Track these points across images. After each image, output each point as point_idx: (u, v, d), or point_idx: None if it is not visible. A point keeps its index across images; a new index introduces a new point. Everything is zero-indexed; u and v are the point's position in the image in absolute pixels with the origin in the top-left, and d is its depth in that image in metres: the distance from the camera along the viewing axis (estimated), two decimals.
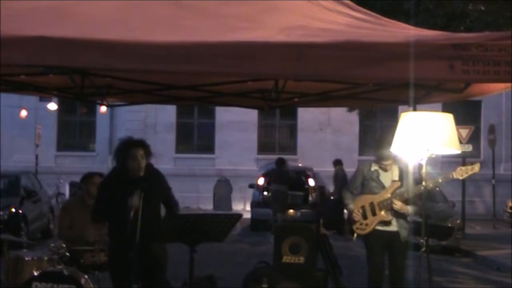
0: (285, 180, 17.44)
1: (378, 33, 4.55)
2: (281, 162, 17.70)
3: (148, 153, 5.68)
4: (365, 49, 4.11)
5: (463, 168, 6.24)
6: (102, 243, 6.48)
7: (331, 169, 19.20)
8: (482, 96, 6.18)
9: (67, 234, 6.84)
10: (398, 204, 6.43)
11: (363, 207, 6.58)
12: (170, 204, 5.82)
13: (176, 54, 4.00)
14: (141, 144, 5.68)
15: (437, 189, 15.66)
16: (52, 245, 6.42)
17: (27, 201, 14.28)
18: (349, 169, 17.59)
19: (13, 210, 13.36)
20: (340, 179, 17.99)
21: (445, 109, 13.14)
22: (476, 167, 6.20)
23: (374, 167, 6.66)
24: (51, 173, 23.03)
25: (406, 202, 6.47)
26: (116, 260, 5.67)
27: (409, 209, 6.49)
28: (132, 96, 7.39)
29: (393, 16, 8.04)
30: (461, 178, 6.28)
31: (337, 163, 18.82)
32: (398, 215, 6.54)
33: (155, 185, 5.55)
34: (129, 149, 5.60)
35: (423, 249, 5.91)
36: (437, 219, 13.79)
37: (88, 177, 7.11)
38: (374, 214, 6.53)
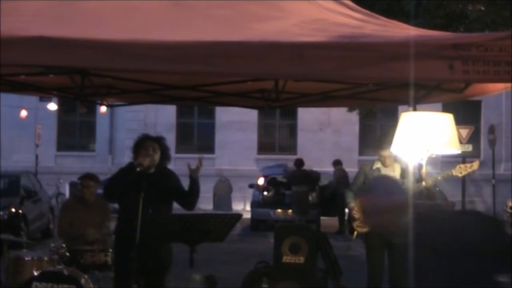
0: (306, 181, 17.46)
1: (378, 33, 4.54)
2: (299, 163, 17.75)
3: (163, 150, 5.71)
4: (365, 49, 4.11)
5: (462, 165, 6.24)
6: (102, 243, 6.49)
7: (331, 169, 19.20)
8: (482, 96, 6.18)
9: (67, 232, 6.85)
10: None
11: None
12: (184, 201, 5.76)
13: (176, 54, 4.00)
14: (157, 139, 5.75)
15: (437, 189, 15.67)
16: (52, 245, 6.43)
17: (27, 201, 14.29)
18: (349, 169, 17.64)
19: (13, 210, 13.37)
20: (340, 178, 18.00)
21: (445, 109, 13.15)
22: (475, 165, 6.19)
23: (376, 165, 6.69)
24: (51, 173, 23.03)
25: None
26: (119, 259, 5.68)
27: None
28: (132, 96, 7.39)
29: (393, 16, 8.05)
30: (460, 175, 6.27)
31: (337, 163, 18.85)
32: None
33: (161, 183, 5.54)
34: (145, 141, 5.69)
35: None
36: None
37: (82, 178, 7.13)
38: None
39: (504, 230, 4.36)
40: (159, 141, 5.75)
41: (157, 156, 5.63)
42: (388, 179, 5.36)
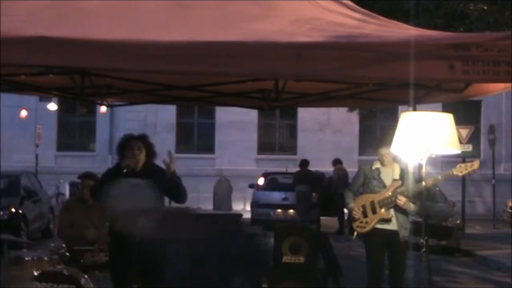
0: (307, 181, 17.50)
1: (377, 33, 4.54)
2: (304, 164, 17.81)
3: (148, 147, 5.74)
4: (365, 49, 4.11)
5: (462, 165, 6.25)
6: (102, 243, 6.48)
7: (331, 169, 19.20)
8: (482, 96, 6.18)
9: (67, 233, 6.86)
10: (402, 200, 6.42)
11: (363, 206, 6.59)
12: (173, 195, 5.78)
13: (176, 54, 4.01)
14: (140, 138, 5.76)
15: (437, 189, 15.67)
16: (52, 245, 6.42)
17: (27, 201, 14.29)
18: (349, 169, 17.63)
19: (13, 210, 13.37)
20: (340, 178, 17.99)
21: (445, 109, 13.14)
22: (476, 164, 6.20)
23: (376, 166, 6.68)
24: (51, 173, 23.03)
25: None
26: (115, 259, 5.67)
27: (412, 206, 6.49)
28: (132, 96, 7.40)
29: (393, 16, 8.05)
30: (460, 174, 6.27)
31: (336, 162, 18.85)
32: (399, 214, 6.54)
33: (153, 180, 5.56)
34: (129, 141, 5.72)
35: (423, 249, 5.91)
36: (437, 219, 13.78)
37: (82, 177, 7.13)
38: (374, 212, 6.54)
39: (244, 232, 4.50)
40: (143, 139, 5.77)
41: (142, 155, 5.68)
42: (132, 184, 5.49)
